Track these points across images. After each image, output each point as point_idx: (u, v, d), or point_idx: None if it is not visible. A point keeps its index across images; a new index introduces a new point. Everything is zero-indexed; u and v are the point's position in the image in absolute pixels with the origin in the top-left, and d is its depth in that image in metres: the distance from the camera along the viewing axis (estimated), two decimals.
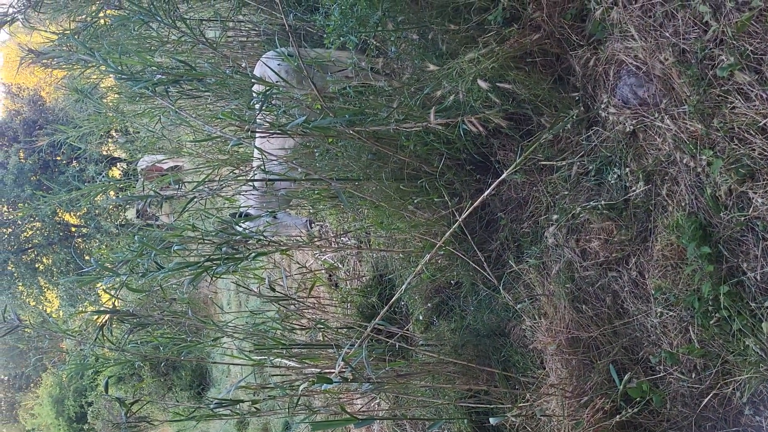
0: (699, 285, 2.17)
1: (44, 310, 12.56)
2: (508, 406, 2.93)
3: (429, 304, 3.93)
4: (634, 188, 2.46)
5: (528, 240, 3.10)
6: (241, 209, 3.95)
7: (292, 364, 3.63)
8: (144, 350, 3.69)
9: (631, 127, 2.43)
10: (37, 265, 12.24)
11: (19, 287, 12.10)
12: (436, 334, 3.70)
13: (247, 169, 4.36)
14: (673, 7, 2.25)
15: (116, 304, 3.92)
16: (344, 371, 2.75)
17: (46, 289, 12.51)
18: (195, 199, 3.40)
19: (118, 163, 12.38)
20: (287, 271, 5.45)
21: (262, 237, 3.47)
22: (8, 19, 4.75)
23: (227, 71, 3.55)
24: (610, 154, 2.58)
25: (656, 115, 2.33)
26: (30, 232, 12.58)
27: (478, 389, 3.09)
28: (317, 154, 3.57)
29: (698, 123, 2.15)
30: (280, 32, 4.33)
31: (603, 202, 2.58)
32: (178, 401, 10.15)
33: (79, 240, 12.68)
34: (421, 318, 3.99)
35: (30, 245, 12.33)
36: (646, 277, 2.46)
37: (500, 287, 3.00)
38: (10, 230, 12.02)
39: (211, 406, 3.23)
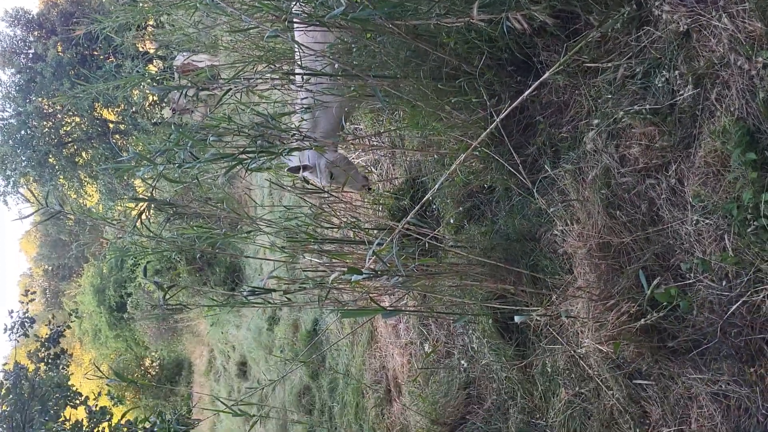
0: (740, 192, 2.13)
1: (84, 204, 12.97)
2: (534, 308, 2.98)
3: (461, 208, 3.94)
4: (681, 92, 2.37)
5: (566, 145, 3.04)
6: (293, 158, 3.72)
7: (324, 260, 3.71)
8: (180, 241, 3.79)
9: (685, 26, 2.32)
10: (77, 159, 12.53)
11: (60, 179, 12.45)
12: (467, 236, 3.72)
13: (281, 65, 4.28)
14: None
15: (153, 194, 4.01)
16: (375, 265, 2.80)
17: (86, 183, 12.87)
18: (231, 91, 3.39)
19: (154, 60, 12.35)
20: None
21: (298, 132, 3.47)
22: None
23: None
24: (659, 56, 2.47)
25: (713, 13, 2.21)
26: (69, 127, 12.81)
27: (504, 288, 3.14)
28: (354, 50, 3.50)
29: (758, 22, 2.04)
30: None
31: (647, 107, 2.50)
32: (212, 297, 10.56)
33: (117, 136, 12.88)
34: (452, 221, 4.01)
35: (70, 139, 12.58)
36: (686, 184, 2.41)
37: (534, 191, 2.98)
38: (50, 123, 12.25)
39: (245, 294, 3.36)
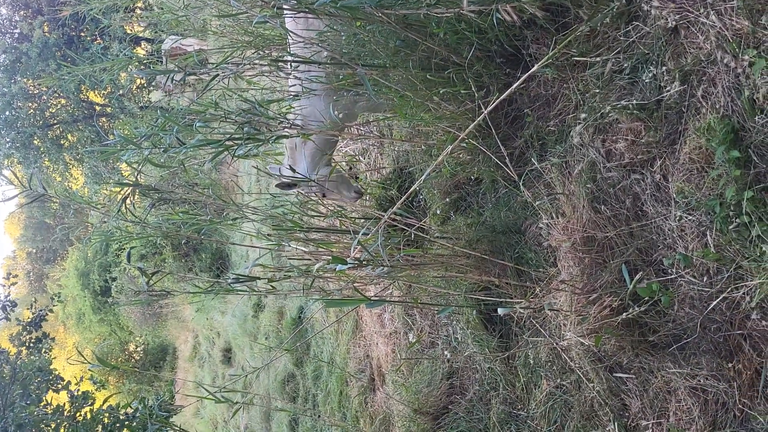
0: (723, 189, 2.15)
1: (69, 186, 12.86)
2: (518, 301, 3.00)
3: (447, 199, 3.95)
4: (668, 88, 2.38)
5: (553, 139, 3.05)
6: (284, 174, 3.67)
7: (309, 249, 3.71)
8: (166, 227, 3.77)
9: (674, 22, 2.32)
10: (62, 142, 12.39)
11: (45, 162, 12.32)
12: (453, 228, 3.73)
13: (269, 51, 4.26)
14: None
15: (139, 178, 3.98)
16: (360, 255, 2.80)
17: (71, 166, 12.74)
18: (218, 77, 3.36)
19: (142, 42, 12.21)
20: None
21: (286, 121, 3.45)
22: None
23: None
24: (647, 52, 2.48)
25: (702, 10, 2.21)
26: (55, 109, 12.66)
27: (489, 280, 3.15)
28: (344, 38, 3.48)
29: (745, 20, 2.05)
30: None
31: (634, 102, 2.50)
32: (197, 284, 10.52)
33: (103, 119, 12.76)
34: (438, 212, 4.02)
35: (55, 121, 12.43)
36: (670, 180, 2.43)
37: (521, 184, 2.99)
38: (35, 105, 12.10)
39: (229, 281, 3.35)
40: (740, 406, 2.16)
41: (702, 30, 2.25)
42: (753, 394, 2.14)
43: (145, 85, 11.96)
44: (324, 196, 3.76)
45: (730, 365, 2.19)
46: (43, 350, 8.71)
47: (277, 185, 3.69)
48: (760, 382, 2.11)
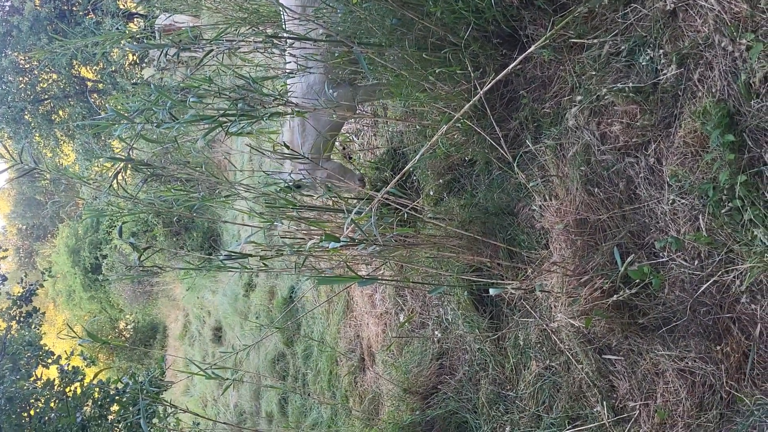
0: (716, 173, 2.15)
1: (60, 163, 12.76)
2: (509, 282, 3.00)
3: (441, 181, 3.94)
4: (665, 71, 2.37)
5: (548, 121, 3.05)
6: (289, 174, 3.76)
7: (302, 227, 3.70)
8: (157, 204, 3.74)
9: (672, 5, 2.31)
10: (53, 117, 12.28)
11: (36, 137, 12.20)
12: (446, 208, 3.73)
13: (264, 28, 4.21)
14: None
15: (131, 154, 3.95)
16: (353, 234, 2.80)
17: (62, 142, 12.64)
18: (212, 52, 3.32)
19: (135, 18, 12.06)
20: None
21: (280, 97, 3.43)
22: None
23: None
24: (645, 34, 2.47)
25: None
26: (46, 84, 12.52)
27: (481, 261, 3.16)
28: (340, 16, 3.45)
29: (744, 3, 2.04)
30: None
31: (630, 85, 2.50)
32: (189, 261, 10.48)
33: (95, 95, 12.64)
34: (431, 193, 4.02)
35: (46, 96, 12.30)
36: (664, 164, 2.43)
37: (514, 166, 2.99)
38: (26, 79, 11.96)
39: (221, 258, 3.34)
40: (727, 388, 2.19)
41: (700, 13, 2.24)
42: (740, 376, 2.16)
43: (138, 61, 11.84)
44: (329, 189, 3.82)
45: (718, 348, 2.21)
46: (33, 325, 8.69)
47: (284, 188, 3.72)
48: (748, 365, 2.14)
